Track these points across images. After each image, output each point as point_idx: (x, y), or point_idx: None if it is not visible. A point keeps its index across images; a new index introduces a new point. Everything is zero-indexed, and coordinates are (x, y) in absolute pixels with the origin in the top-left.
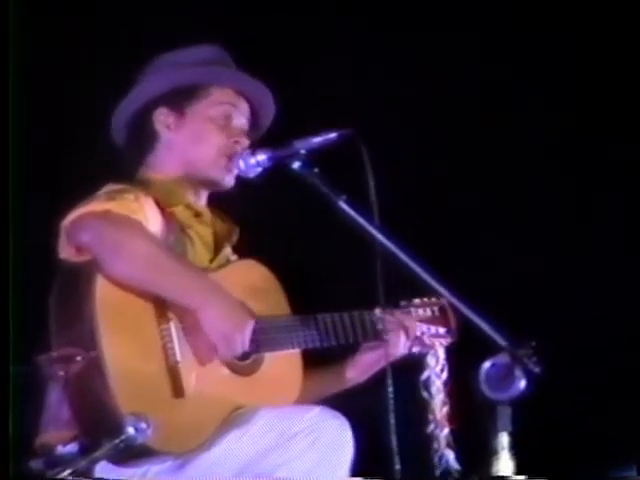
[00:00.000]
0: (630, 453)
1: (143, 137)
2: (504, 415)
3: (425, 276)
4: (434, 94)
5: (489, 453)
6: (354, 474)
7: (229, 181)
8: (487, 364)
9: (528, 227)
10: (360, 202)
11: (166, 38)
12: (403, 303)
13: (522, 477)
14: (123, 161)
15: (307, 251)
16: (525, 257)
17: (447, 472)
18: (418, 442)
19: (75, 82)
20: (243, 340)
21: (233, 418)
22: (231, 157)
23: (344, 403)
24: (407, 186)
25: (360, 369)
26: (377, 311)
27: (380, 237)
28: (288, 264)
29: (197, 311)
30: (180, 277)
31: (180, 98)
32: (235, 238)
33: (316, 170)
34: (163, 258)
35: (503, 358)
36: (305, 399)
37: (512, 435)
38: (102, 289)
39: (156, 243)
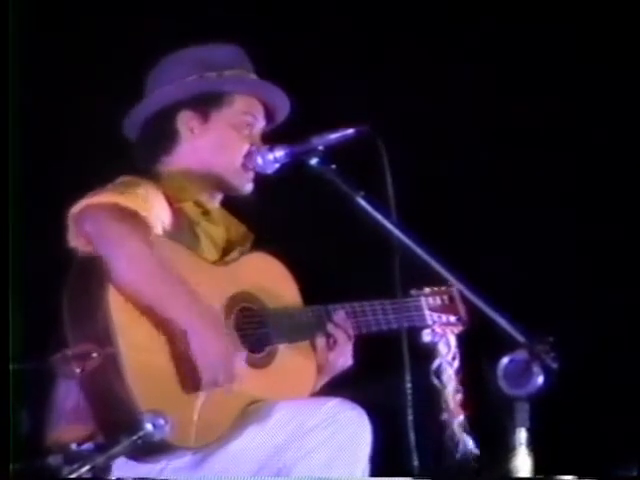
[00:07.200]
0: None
1: (162, 136)
2: (522, 411)
3: (444, 272)
4: (450, 89)
5: (504, 448)
6: (372, 466)
7: (249, 188)
8: (505, 360)
9: (547, 223)
10: (377, 198)
11: (180, 34)
12: (413, 292)
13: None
14: (135, 156)
15: (318, 244)
16: (543, 253)
17: (467, 457)
18: (434, 432)
19: (84, 76)
20: (227, 373)
21: (250, 412)
22: (251, 164)
23: (361, 396)
24: (425, 181)
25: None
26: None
27: (398, 233)
28: (300, 257)
29: (184, 333)
30: (171, 291)
31: (205, 103)
32: (248, 244)
33: (333, 166)
34: (157, 266)
35: (521, 354)
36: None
37: (530, 431)
38: None
39: (155, 249)
